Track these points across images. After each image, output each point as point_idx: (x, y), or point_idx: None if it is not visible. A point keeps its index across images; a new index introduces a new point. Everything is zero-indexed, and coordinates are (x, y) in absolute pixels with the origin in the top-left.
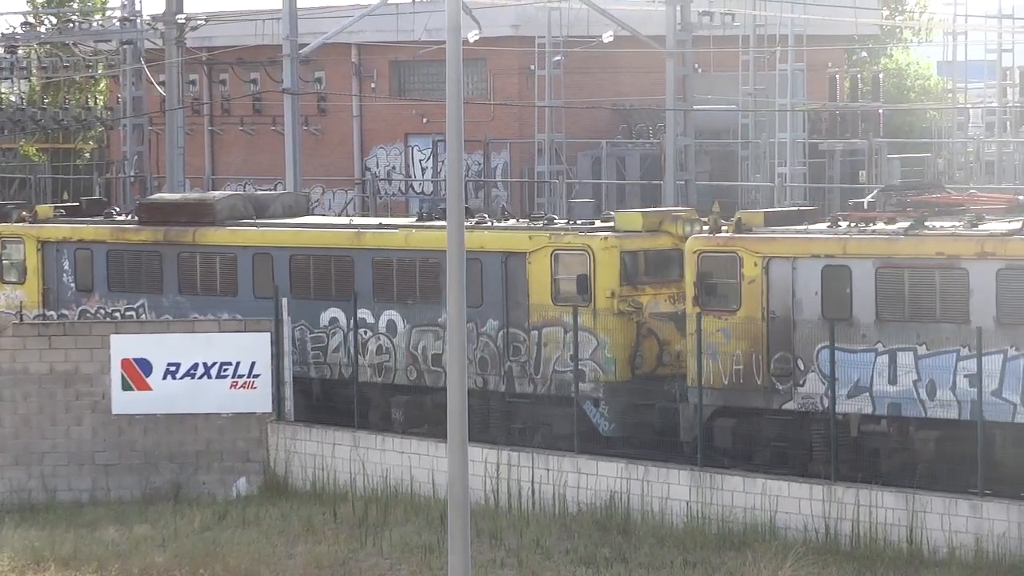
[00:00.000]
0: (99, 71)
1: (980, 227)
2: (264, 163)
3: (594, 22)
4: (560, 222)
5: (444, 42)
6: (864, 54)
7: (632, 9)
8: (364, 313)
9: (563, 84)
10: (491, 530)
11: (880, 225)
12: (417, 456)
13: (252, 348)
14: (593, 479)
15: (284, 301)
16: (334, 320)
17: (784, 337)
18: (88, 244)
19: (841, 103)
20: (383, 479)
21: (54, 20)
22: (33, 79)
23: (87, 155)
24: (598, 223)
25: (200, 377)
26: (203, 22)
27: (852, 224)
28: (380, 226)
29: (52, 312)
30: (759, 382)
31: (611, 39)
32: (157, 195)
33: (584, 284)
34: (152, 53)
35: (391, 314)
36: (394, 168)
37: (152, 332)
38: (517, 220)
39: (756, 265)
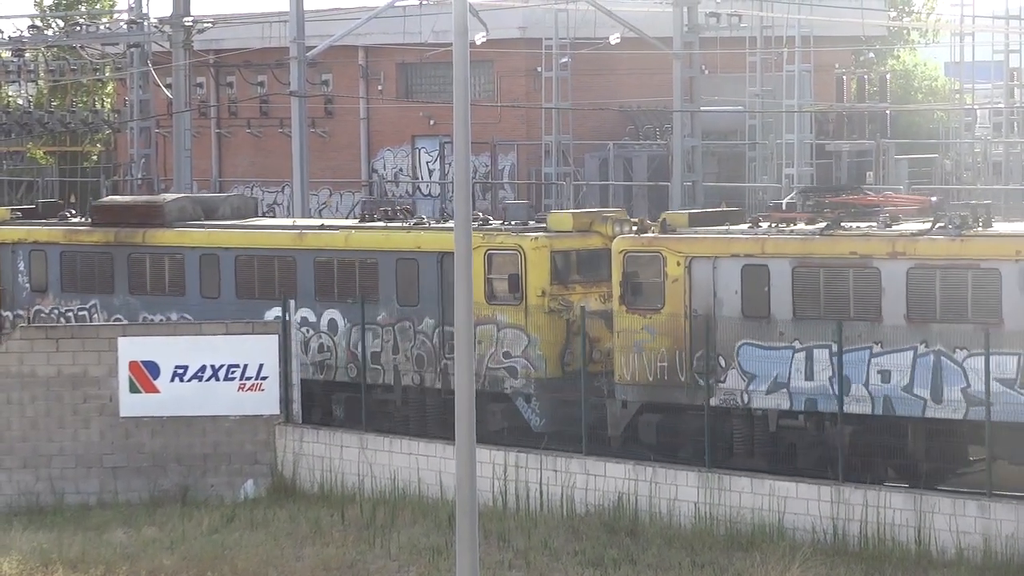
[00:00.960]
0: (106, 74)
1: (893, 228)
2: (271, 165)
3: (601, 24)
4: (495, 223)
5: (451, 44)
6: (871, 55)
7: (639, 11)
8: (306, 312)
9: (570, 86)
10: (499, 532)
11: (801, 226)
12: (425, 458)
13: (260, 350)
14: (601, 480)
15: (291, 303)
16: (277, 319)
17: (706, 334)
18: (42, 245)
19: (848, 104)
20: (391, 481)
21: (61, 23)
22: (40, 82)
23: (94, 158)
24: (532, 224)
25: (208, 379)
26: (210, 25)
27: (772, 225)
28: (322, 227)
29: (8, 313)
30: (683, 378)
31: (618, 41)
32: (109, 198)
33: (516, 283)
34: (159, 56)
35: (332, 313)
36: (401, 170)
37: (160, 335)
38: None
39: (679, 265)
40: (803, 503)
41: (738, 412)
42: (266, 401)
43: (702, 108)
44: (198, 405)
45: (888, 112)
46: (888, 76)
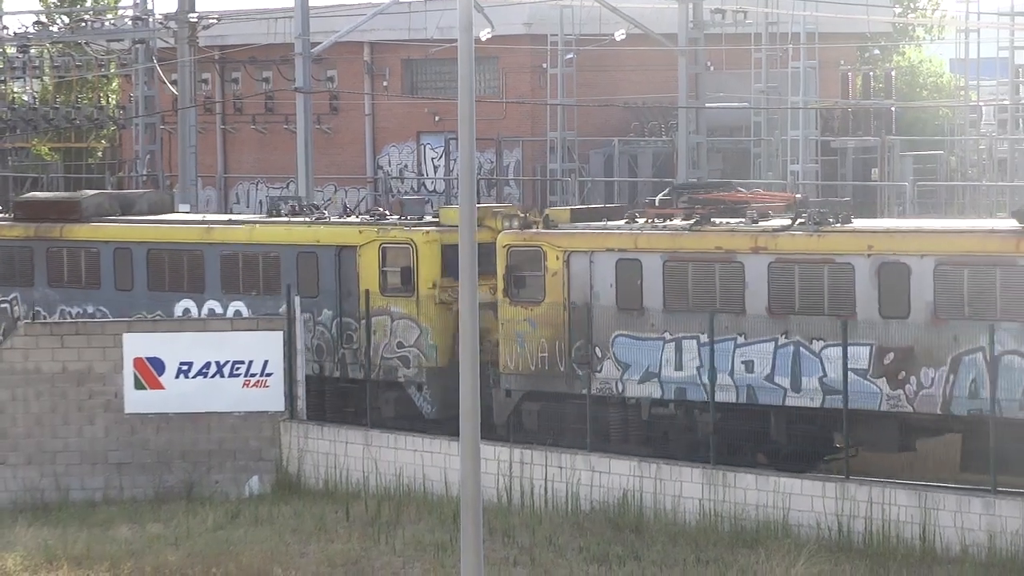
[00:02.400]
0: (111, 70)
1: (759, 224)
2: (276, 162)
3: (606, 20)
4: (392, 218)
5: (456, 40)
6: (876, 51)
7: (644, 7)
8: (213, 304)
9: (575, 82)
10: (504, 528)
11: (676, 222)
12: (430, 454)
13: (264, 347)
14: (606, 477)
15: (296, 300)
16: (187, 311)
17: (583, 326)
18: None
19: (853, 100)
20: (396, 477)
21: (66, 19)
22: (45, 78)
23: (99, 154)
24: (427, 219)
25: (213, 376)
26: (215, 21)
27: (648, 220)
28: (229, 222)
29: None
30: (562, 368)
31: (623, 37)
32: (31, 194)
33: (408, 276)
34: (164, 52)
35: (238, 304)
36: (406, 166)
37: (165, 331)
38: (357, 216)
39: (558, 259)
40: (808, 500)
41: (614, 400)
42: (271, 397)
43: (707, 104)
44: (203, 401)
45: (893, 108)
46: (893, 72)
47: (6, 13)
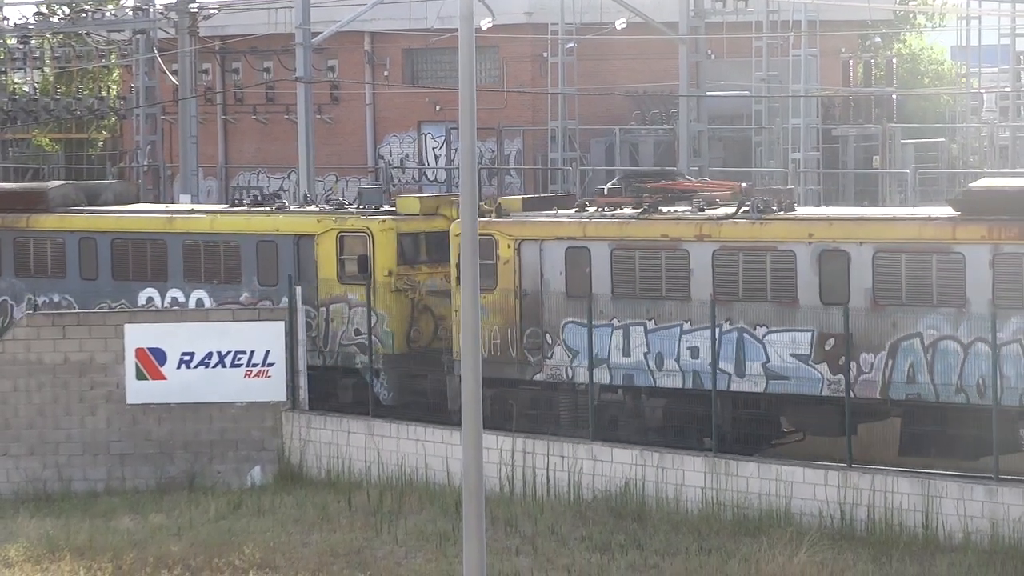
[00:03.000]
0: (112, 61)
1: (705, 212)
2: (277, 152)
3: (607, 9)
4: (351, 207)
5: (457, 30)
6: (878, 39)
7: None
8: (176, 292)
9: (576, 71)
10: (506, 517)
11: (627, 210)
12: (432, 444)
13: (266, 337)
14: (608, 466)
15: (297, 290)
16: (150, 299)
17: (535, 313)
18: None
19: (854, 88)
20: (398, 467)
21: (67, 10)
22: (46, 69)
23: (100, 145)
24: (385, 208)
25: (214, 366)
26: (216, 11)
27: (598, 209)
28: (191, 212)
29: None
30: (514, 355)
31: (624, 26)
32: None
33: (364, 264)
34: (165, 42)
35: (200, 293)
36: (407, 156)
37: (166, 321)
38: (317, 205)
39: (510, 247)
40: (810, 488)
41: (564, 386)
42: (273, 387)
43: (708, 93)
44: (205, 392)
45: (894, 96)
46: (894, 60)
47: (7, 4)
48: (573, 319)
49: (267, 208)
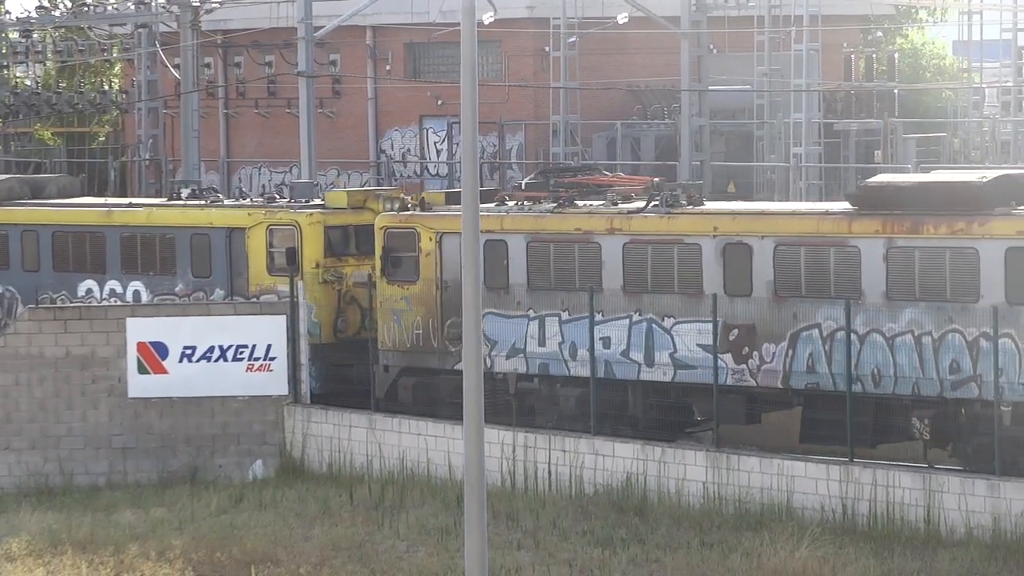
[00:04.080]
0: (114, 55)
1: (618, 206)
2: (279, 146)
3: (609, 4)
4: (282, 201)
5: (459, 24)
6: (879, 34)
7: None
8: (114, 284)
9: (578, 66)
10: (508, 512)
11: (544, 204)
12: (433, 438)
13: (268, 331)
14: (610, 460)
15: (300, 284)
16: (89, 291)
17: (455, 304)
18: None
19: (856, 83)
20: (399, 461)
21: (69, 4)
22: (48, 63)
23: (102, 139)
24: (316, 202)
25: (216, 360)
26: (218, 5)
27: (517, 203)
28: (130, 205)
29: None
30: (435, 345)
31: (626, 20)
32: None
33: (292, 256)
34: (167, 36)
35: (137, 284)
36: (409, 150)
37: (168, 315)
38: (251, 199)
39: (431, 240)
40: (812, 482)
41: (484, 375)
42: (274, 381)
43: (710, 87)
44: (207, 386)
45: (896, 91)
46: (896, 55)
47: None
48: (491, 310)
49: (202, 202)
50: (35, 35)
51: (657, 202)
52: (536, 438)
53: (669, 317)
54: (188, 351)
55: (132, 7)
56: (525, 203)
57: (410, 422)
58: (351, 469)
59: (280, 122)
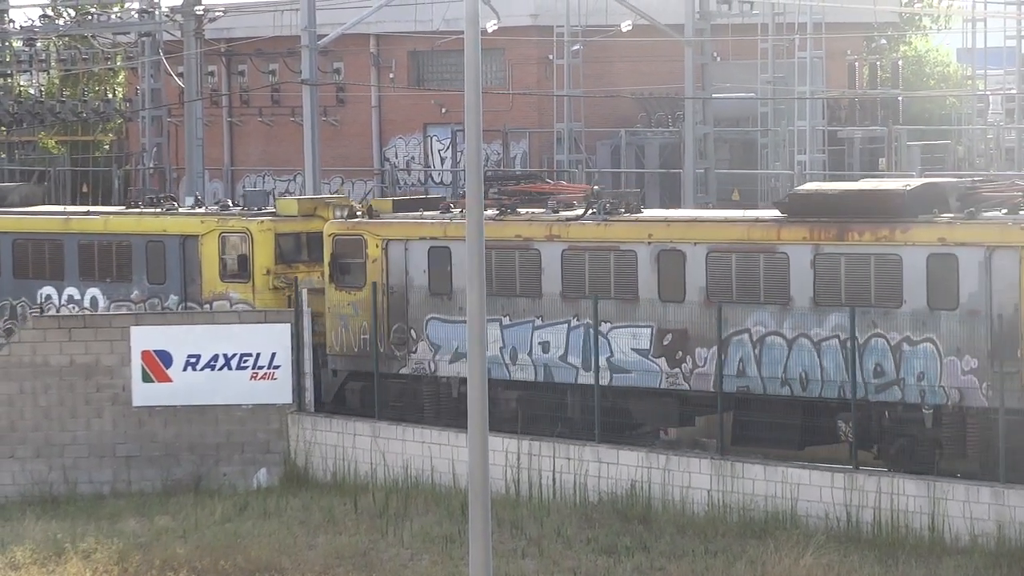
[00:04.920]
0: (118, 63)
1: (558, 213)
2: (283, 154)
3: (612, 11)
4: (235, 209)
5: (463, 32)
6: (883, 41)
7: None
8: (72, 290)
9: (582, 73)
10: (512, 520)
11: (487, 212)
12: (437, 446)
13: (272, 339)
14: (614, 468)
15: (304, 292)
16: (48, 297)
17: (401, 309)
18: None
19: (860, 91)
20: (403, 470)
21: (72, 13)
22: (52, 71)
23: (106, 147)
24: (268, 209)
25: (220, 369)
26: (221, 14)
27: (462, 211)
28: (87, 213)
29: None
30: (382, 350)
31: (630, 28)
32: None
33: (244, 263)
34: (171, 45)
35: (94, 291)
36: (413, 158)
37: (172, 324)
38: (206, 208)
39: (377, 247)
40: (816, 490)
41: (428, 379)
42: (279, 390)
43: (714, 95)
44: (211, 394)
45: (900, 98)
46: (900, 62)
47: (12, 7)
48: (435, 315)
49: (158, 210)
50: (39, 43)
51: (595, 210)
52: (540, 446)
53: (606, 322)
54: (192, 359)
55: (136, 16)
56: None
57: (414, 430)
58: (355, 477)
59: (284, 130)
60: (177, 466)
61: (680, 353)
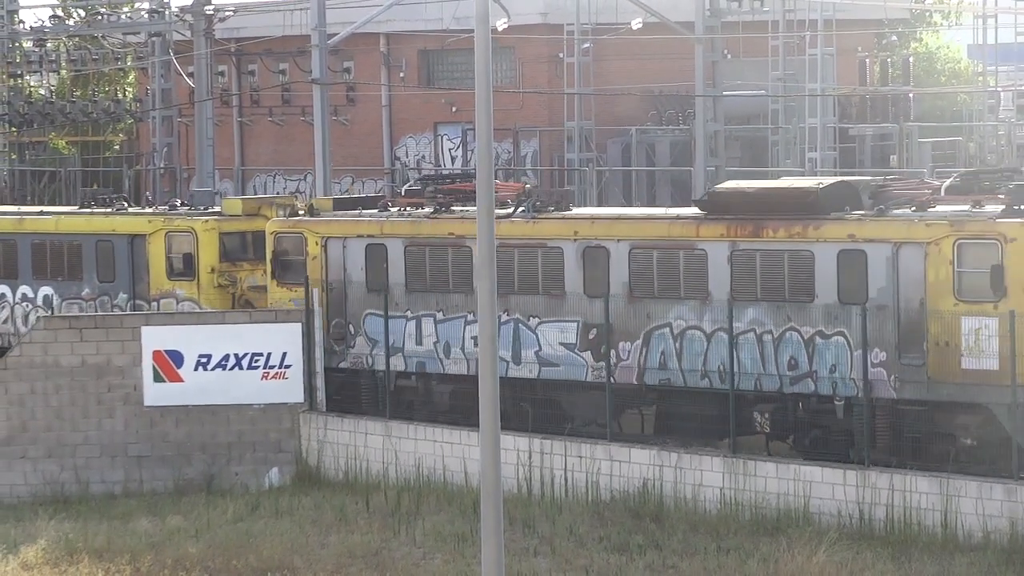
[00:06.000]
0: (128, 63)
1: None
2: (293, 153)
3: (623, 9)
4: (183, 208)
5: (472, 31)
6: (894, 38)
7: None
8: (26, 288)
9: (592, 71)
10: (524, 518)
11: (424, 210)
12: (449, 445)
13: (283, 339)
14: (626, 466)
15: (315, 292)
16: (3, 295)
17: (339, 305)
18: None
19: (871, 87)
20: (415, 468)
21: (83, 13)
22: (62, 72)
23: (116, 147)
24: (214, 209)
25: (232, 368)
26: (231, 13)
27: (400, 209)
28: (40, 213)
29: None
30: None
31: (640, 26)
32: None
33: (189, 261)
34: (181, 45)
35: (47, 289)
36: (424, 157)
37: (183, 324)
38: (155, 207)
39: (317, 244)
40: (828, 488)
41: (366, 373)
42: (290, 389)
43: (724, 93)
44: (222, 394)
45: (911, 95)
46: (911, 59)
47: (23, 7)
48: (372, 311)
49: (108, 210)
50: (49, 44)
51: (524, 208)
52: (552, 444)
53: (534, 317)
54: (203, 359)
55: (146, 16)
56: (407, 209)
57: (426, 429)
58: (367, 476)
59: (294, 130)
60: (189, 466)
61: (604, 346)
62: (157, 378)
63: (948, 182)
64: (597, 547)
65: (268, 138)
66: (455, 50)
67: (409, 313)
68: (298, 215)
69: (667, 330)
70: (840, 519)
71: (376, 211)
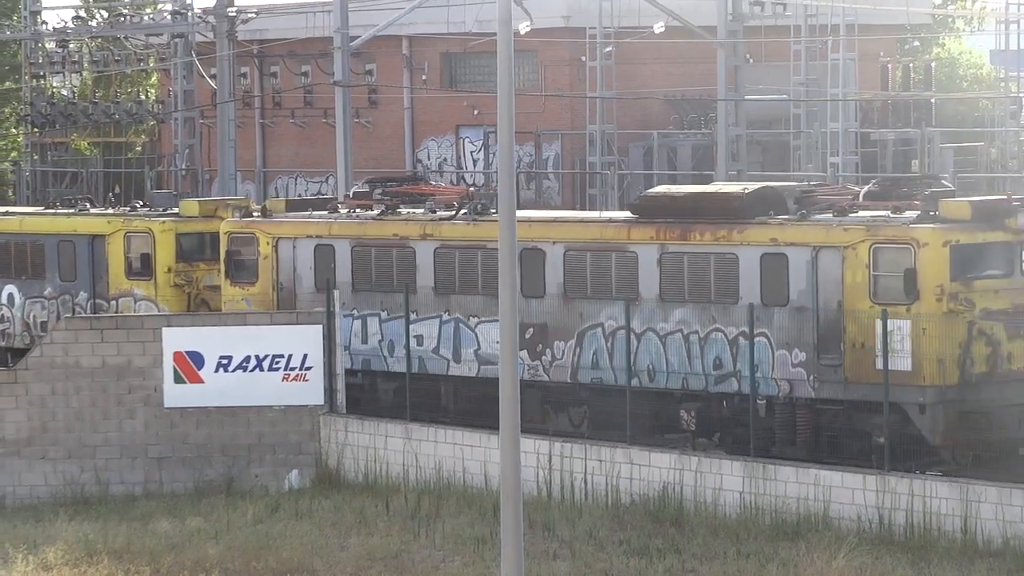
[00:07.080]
0: (150, 65)
1: (435, 213)
2: (315, 155)
3: (645, 13)
4: (143, 209)
5: (495, 34)
6: (916, 43)
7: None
8: None
9: (614, 75)
10: (544, 521)
11: (371, 212)
12: (470, 448)
13: (304, 340)
14: (646, 470)
15: (336, 293)
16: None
17: (289, 305)
18: None
19: (893, 92)
20: (435, 471)
21: (105, 14)
22: (85, 73)
23: (139, 149)
24: (173, 210)
25: (252, 370)
26: (254, 15)
27: (350, 211)
28: (5, 213)
29: None
30: None
31: (662, 30)
32: None
33: (147, 261)
34: (203, 46)
35: (11, 288)
36: (445, 160)
37: (204, 325)
38: (116, 208)
39: (268, 244)
40: (848, 492)
41: None
42: (310, 391)
43: (746, 97)
44: (242, 395)
45: (933, 100)
46: (933, 64)
47: (45, 8)
48: (320, 310)
49: (70, 211)
50: (71, 45)
51: (466, 210)
52: (572, 447)
53: (474, 316)
54: (224, 361)
55: (168, 17)
56: (356, 211)
57: (446, 431)
58: (387, 479)
59: (316, 132)
60: (209, 467)
61: (540, 346)
62: (178, 379)
63: (866, 188)
64: (617, 551)
65: (290, 140)
66: (477, 53)
67: (355, 312)
68: (251, 216)
69: (599, 330)
70: (860, 524)
71: (326, 212)
